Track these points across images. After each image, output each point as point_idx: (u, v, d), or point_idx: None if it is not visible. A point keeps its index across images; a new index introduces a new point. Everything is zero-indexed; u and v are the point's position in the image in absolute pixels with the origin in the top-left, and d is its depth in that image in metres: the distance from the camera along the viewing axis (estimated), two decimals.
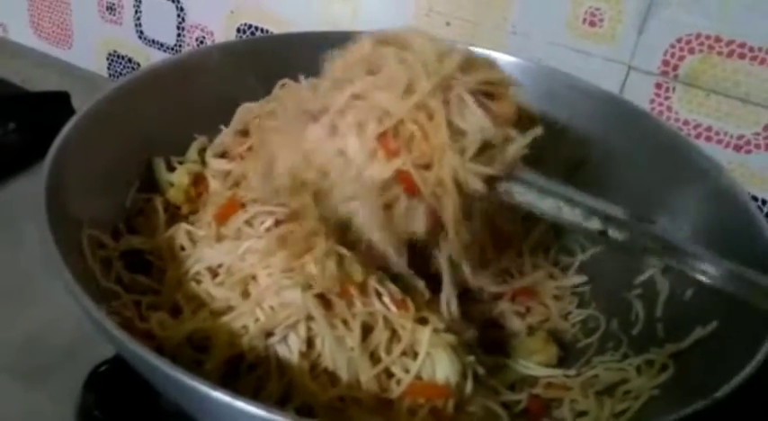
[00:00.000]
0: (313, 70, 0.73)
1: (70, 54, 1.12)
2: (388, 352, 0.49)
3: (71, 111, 0.64)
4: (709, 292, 0.53)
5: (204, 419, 0.44)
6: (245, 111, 0.70)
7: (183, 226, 0.59)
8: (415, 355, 0.49)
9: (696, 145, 0.63)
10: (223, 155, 0.67)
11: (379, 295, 0.51)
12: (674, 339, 0.52)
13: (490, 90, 0.50)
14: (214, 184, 0.64)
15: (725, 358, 0.46)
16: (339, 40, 0.74)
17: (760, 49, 0.67)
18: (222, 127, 0.70)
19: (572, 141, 0.69)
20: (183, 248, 0.58)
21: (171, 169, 0.65)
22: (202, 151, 0.68)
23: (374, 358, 0.49)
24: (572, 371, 0.57)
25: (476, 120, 0.48)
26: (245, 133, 0.69)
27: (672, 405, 0.42)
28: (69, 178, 0.54)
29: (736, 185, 0.57)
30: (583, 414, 0.52)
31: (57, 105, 0.83)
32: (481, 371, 0.52)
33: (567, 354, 0.60)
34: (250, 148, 0.66)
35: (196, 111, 0.69)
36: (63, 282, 0.43)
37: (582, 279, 0.65)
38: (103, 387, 0.56)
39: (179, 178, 0.64)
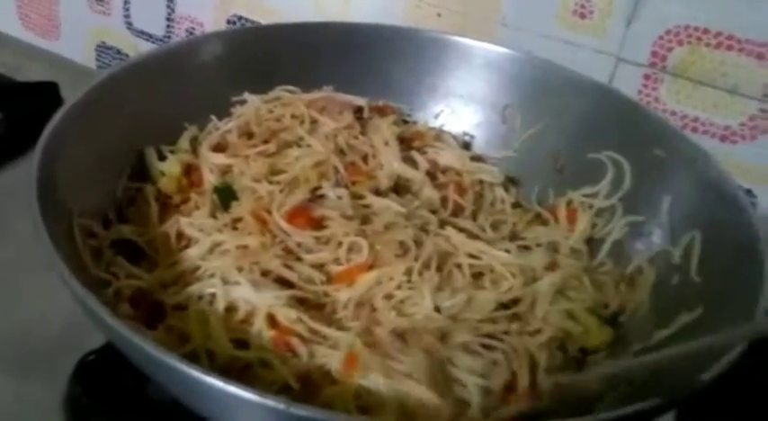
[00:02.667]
0: (302, 61, 0.74)
1: (58, 45, 1.12)
2: None
3: (60, 102, 0.64)
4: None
5: (197, 406, 0.44)
6: (248, 110, 0.71)
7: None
8: None
9: (684, 134, 0.64)
10: (217, 147, 0.67)
11: None
12: (661, 326, 0.52)
13: None
14: (210, 178, 0.64)
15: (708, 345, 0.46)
16: (330, 31, 0.76)
17: (747, 41, 0.67)
18: (213, 117, 0.70)
19: (561, 132, 0.69)
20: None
21: (162, 158, 0.65)
22: (194, 140, 0.68)
23: None
24: None
25: None
26: (249, 134, 0.69)
27: (656, 389, 0.42)
28: (60, 168, 0.54)
29: (725, 174, 0.58)
30: None
31: (45, 96, 0.83)
32: None
33: None
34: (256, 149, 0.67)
35: (186, 101, 0.69)
36: (55, 272, 0.43)
37: None
38: (92, 376, 0.56)
39: (170, 167, 0.64)
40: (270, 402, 0.36)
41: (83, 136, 0.58)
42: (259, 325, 0.50)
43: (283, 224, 0.58)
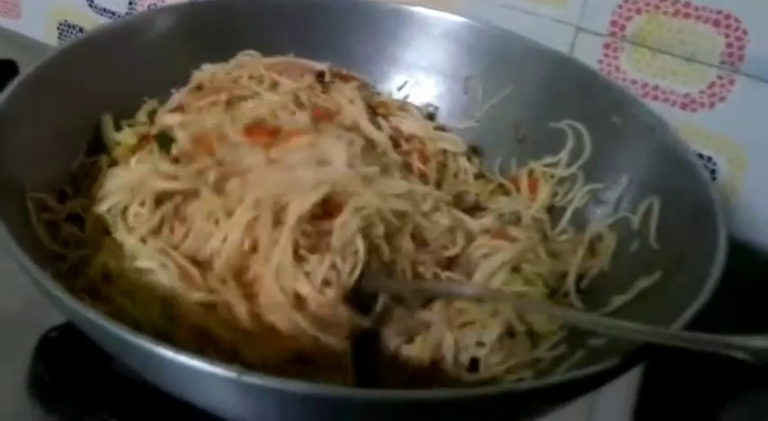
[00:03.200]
0: (261, 34, 0.73)
1: (19, 24, 1.10)
2: None
3: None
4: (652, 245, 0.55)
5: (155, 380, 0.44)
6: (203, 74, 0.70)
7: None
8: None
9: (642, 102, 0.64)
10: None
11: None
12: (619, 291, 0.53)
13: None
14: None
15: (666, 308, 0.47)
16: (287, 4, 0.75)
17: (704, 8, 0.68)
18: (173, 90, 0.69)
19: (522, 102, 0.69)
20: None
21: (119, 130, 0.65)
22: (153, 114, 0.67)
23: None
24: None
25: None
26: (199, 87, 0.68)
27: (614, 354, 0.43)
28: (11, 142, 0.53)
29: (681, 142, 0.58)
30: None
31: (3, 74, 0.81)
32: None
33: None
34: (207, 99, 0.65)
35: (145, 75, 0.68)
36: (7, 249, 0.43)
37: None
38: (54, 353, 0.55)
39: (126, 138, 0.63)
40: (220, 371, 0.36)
41: (36, 110, 0.57)
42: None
43: (240, 137, 0.57)
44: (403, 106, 0.72)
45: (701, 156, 0.72)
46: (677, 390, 0.62)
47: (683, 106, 0.72)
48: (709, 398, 0.64)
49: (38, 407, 0.54)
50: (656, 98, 0.72)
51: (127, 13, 1.00)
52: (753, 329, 0.39)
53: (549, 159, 0.66)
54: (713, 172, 0.73)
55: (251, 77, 0.69)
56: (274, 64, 0.70)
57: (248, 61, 0.71)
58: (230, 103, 0.65)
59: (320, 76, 0.71)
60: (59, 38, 1.08)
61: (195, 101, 0.66)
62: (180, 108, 0.66)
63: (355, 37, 0.74)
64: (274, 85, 0.68)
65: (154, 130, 0.63)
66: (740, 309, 0.65)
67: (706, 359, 0.64)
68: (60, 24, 1.07)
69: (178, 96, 0.68)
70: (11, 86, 0.55)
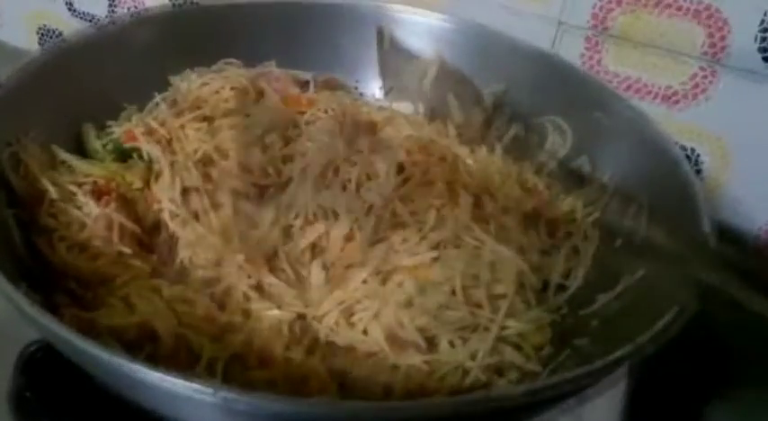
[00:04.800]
0: (244, 38, 0.73)
1: None
2: None
3: None
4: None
5: (133, 396, 0.43)
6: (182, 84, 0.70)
7: None
8: None
9: (622, 96, 0.64)
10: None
11: None
12: (605, 289, 0.53)
13: None
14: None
15: (651, 305, 0.46)
16: (269, 7, 0.74)
17: (685, 0, 0.67)
18: (156, 94, 0.69)
19: (506, 98, 0.69)
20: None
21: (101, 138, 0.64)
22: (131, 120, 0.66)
23: None
24: None
25: None
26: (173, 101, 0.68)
27: (599, 352, 0.42)
28: None
29: (663, 134, 0.58)
30: None
31: None
32: None
33: None
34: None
35: (126, 81, 0.68)
36: None
37: None
38: (35, 368, 0.54)
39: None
40: (197, 386, 0.35)
41: (13, 119, 0.56)
42: None
43: None
44: (390, 119, 0.71)
45: (684, 148, 0.72)
46: (665, 390, 0.62)
47: (666, 99, 0.71)
48: (697, 397, 0.64)
49: None
50: (638, 91, 0.72)
51: (107, 17, 0.99)
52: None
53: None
54: (697, 164, 0.72)
55: (233, 88, 0.68)
56: (258, 75, 0.70)
57: (230, 71, 0.71)
58: (211, 120, 0.65)
59: (305, 85, 0.71)
60: (40, 43, 1.07)
61: (174, 117, 0.65)
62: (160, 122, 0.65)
63: (340, 39, 0.74)
64: (259, 97, 0.68)
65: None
66: None
67: (692, 358, 0.65)
68: (40, 29, 1.06)
69: (154, 105, 0.68)
70: None
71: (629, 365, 0.60)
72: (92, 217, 0.55)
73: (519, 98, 0.68)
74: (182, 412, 0.41)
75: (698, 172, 0.72)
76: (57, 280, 0.52)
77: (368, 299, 0.51)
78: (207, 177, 0.60)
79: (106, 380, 0.43)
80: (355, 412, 0.37)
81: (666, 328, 0.42)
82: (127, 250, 0.54)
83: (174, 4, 0.92)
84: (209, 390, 0.35)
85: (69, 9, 1.01)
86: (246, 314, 0.51)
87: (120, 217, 0.55)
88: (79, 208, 0.55)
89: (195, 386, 0.35)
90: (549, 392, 0.40)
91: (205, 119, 0.65)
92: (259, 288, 0.53)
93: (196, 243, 0.55)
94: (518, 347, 0.51)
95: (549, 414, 0.46)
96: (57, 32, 1.05)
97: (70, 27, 1.03)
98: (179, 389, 0.35)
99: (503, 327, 0.51)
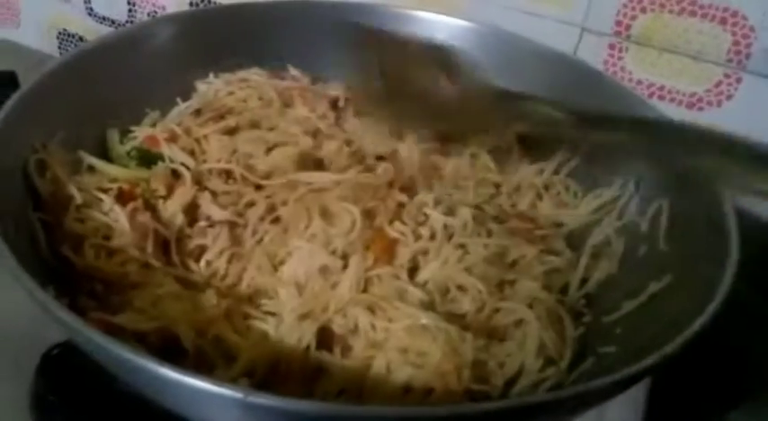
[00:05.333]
0: (262, 39, 0.73)
1: (19, 34, 1.10)
2: None
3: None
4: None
5: (159, 399, 0.43)
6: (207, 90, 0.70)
7: None
8: None
9: (649, 103, 0.63)
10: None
11: None
12: (630, 296, 0.52)
13: None
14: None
15: (679, 311, 0.46)
16: (288, 9, 0.75)
17: (710, 6, 0.67)
18: (179, 100, 0.69)
19: None
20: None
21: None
22: (155, 125, 0.67)
23: None
24: None
25: None
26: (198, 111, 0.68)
27: (626, 360, 0.42)
28: (12, 159, 0.53)
29: None
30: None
31: (2, 85, 0.81)
32: None
33: None
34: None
35: (147, 85, 0.68)
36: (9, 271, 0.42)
37: None
38: (57, 371, 0.55)
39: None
40: (227, 391, 0.35)
41: (38, 122, 0.56)
42: None
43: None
44: None
45: None
46: (684, 399, 0.61)
47: (690, 105, 0.71)
48: (715, 406, 0.63)
49: None
50: (662, 98, 0.72)
51: (126, 21, 0.99)
52: None
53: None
54: None
55: (260, 99, 0.69)
56: (286, 89, 0.70)
57: (255, 80, 0.71)
58: (236, 130, 0.65)
59: (334, 102, 0.70)
60: (60, 47, 1.07)
61: (198, 126, 0.65)
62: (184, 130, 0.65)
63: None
64: (284, 109, 0.68)
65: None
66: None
67: (711, 368, 0.64)
68: (60, 33, 1.06)
69: (179, 113, 0.68)
70: (11, 101, 0.54)
71: None
72: (120, 222, 0.55)
73: None
74: (210, 415, 0.40)
75: None
76: (82, 283, 0.52)
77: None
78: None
79: (133, 383, 0.42)
80: (383, 415, 0.37)
81: (692, 337, 0.42)
82: (156, 263, 0.54)
83: (191, 3, 0.93)
84: (240, 395, 0.35)
85: (89, 13, 1.02)
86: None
87: (157, 224, 0.55)
88: (105, 213, 0.55)
89: (226, 391, 0.35)
90: (572, 402, 0.40)
91: (229, 131, 0.65)
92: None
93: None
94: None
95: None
96: (76, 36, 1.05)
97: (89, 30, 1.03)
98: (209, 393, 0.35)
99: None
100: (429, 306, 0.51)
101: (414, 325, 0.48)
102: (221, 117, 0.66)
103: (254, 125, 0.66)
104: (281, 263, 0.54)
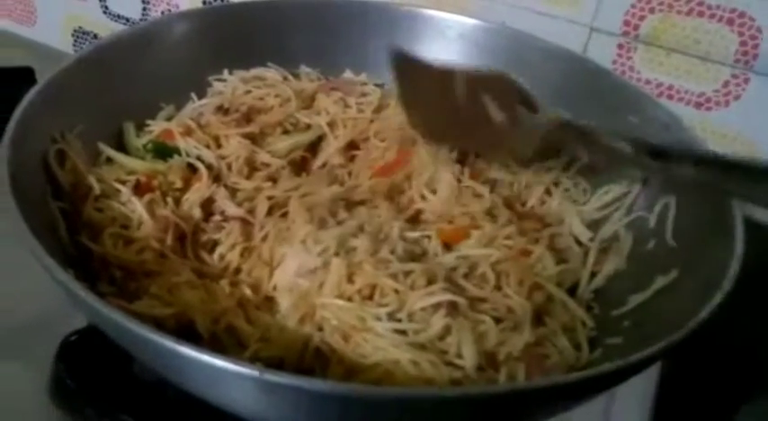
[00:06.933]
0: (277, 38, 0.74)
1: (34, 31, 1.11)
2: None
3: None
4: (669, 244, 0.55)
5: (176, 379, 0.44)
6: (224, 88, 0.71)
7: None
8: None
9: (657, 101, 0.64)
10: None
11: None
12: (637, 290, 0.53)
13: None
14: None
15: (685, 305, 0.47)
16: (303, 7, 0.76)
17: (718, 7, 0.68)
18: (193, 95, 0.71)
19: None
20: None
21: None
22: (170, 120, 0.68)
23: None
24: None
25: None
26: (225, 110, 0.69)
27: (632, 351, 0.43)
28: (32, 150, 0.54)
29: (696, 139, 0.58)
30: None
31: (20, 81, 0.82)
32: None
33: None
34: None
35: (162, 81, 0.69)
36: (33, 255, 0.43)
37: None
38: (75, 357, 0.56)
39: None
40: (243, 369, 0.36)
41: (55, 117, 0.57)
42: None
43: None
44: None
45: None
46: (695, 393, 0.62)
47: (698, 105, 0.72)
48: (727, 401, 0.64)
49: (59, 410, 0.54)
50: (670, 98, 0.72)
51: (141, 19, 1.01)
52: None
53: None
54: None
55: (277, 96, 0.70)
56: (304, 90, 0.71)
57: (271, 76, 0.72)
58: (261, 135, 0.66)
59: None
60: (75, 45, 1.09)
61: (221, 126, 0.66)
62: (200, 125, 0.66)
63: (371, 40, 0.74)
64: (306, 107, 0.70)
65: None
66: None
67: (723, 362, 0.65)
68: (75, 31, 1.08)
69: (193, 109, 0.69)
70: (30, 94, 0.55)
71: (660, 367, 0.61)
72: (137, 213, 0.56)
73: (551, 103, 0.68)
74: (225, 395, 0.41)
75: None
76: (100, 270, 0.53)
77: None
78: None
79: (152, 364, 0.44)
80: (399, 396, 0.37)
81: (697, 327, 0.43)
82: (173, 255, 0.55)
83: (204, 1, 0.94)
84: (255, 373, 0.36)
85: (104, 11, 1.03)
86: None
87: (177, 219, 0.56)
88: (123, 204, 0.57)
89: (242, 369, 0.36)
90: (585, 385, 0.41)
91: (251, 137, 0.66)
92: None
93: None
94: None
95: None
96: (91, 33, 1.07)
97: (104, 28, 1.05)
98: (225, 371, 0.36)
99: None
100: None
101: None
102: (247, 121, 0.67)
103: (280, 125, 0.68)
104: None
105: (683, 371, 0.61)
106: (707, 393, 0.64)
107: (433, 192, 0.61)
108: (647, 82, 0.73)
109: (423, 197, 0.60)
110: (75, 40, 1.09)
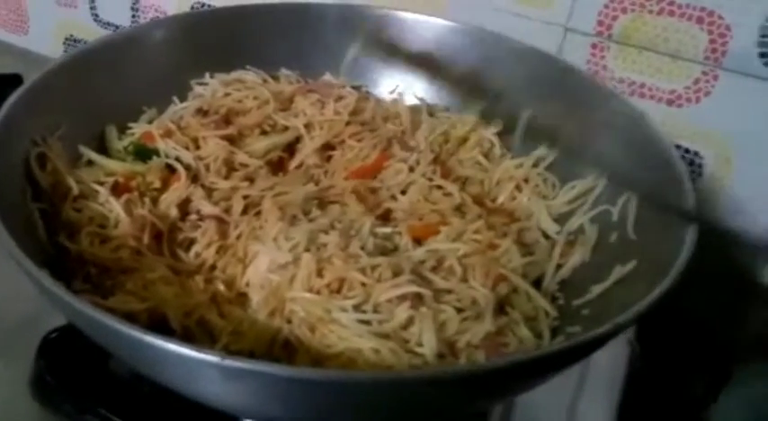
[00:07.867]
0: (257, 42, 0.76)
1: (27, 40, 1.13)
2: None
3: None
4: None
5: (147, 371, 0.46)
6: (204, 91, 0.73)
7: None
8: None
9: (621, 96, 0.66)
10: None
11: None
12: (597, 280, 0.54)
13: None
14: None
15: (637, 294, 0.48)
16: (280, 11, 0.77)
17: (687, 6, 0.69)
18: (175, 98, 0.72)
19: (510, 101, 0.71)
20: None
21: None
22: (152, 123, 0.69)
23: None
24: None
25: None
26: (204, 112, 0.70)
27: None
28: (13, 152, 0.56)
29: (660, 134, 0.59)
30: None
31: (9, 88, 0.83)
32: None
33: None
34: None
35: (146, 85, 0.71)
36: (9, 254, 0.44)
37: None
38: (54, 353, 0.58)
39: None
40: (206, 356, 0.37)
41: (39, 120, 0.59)
42: None
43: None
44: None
45: (687, 151, 0.73)
46: (663, 389, 0.63)
47: (670, 102, 0.73)
48: (701, 393, 0.65)
49: (39, 405, 0.56)
50: (642, 95, 0.74)
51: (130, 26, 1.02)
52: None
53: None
54: (700, 166, 0.74)
55: (255, 98, 0.71)
56: (282, 92, 0.73)
57: (250, 79, 0.74)
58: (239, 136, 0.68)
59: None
60: (65, 52, 1.10)
61: (200, 127, 0.67)
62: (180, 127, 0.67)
63: (347, 43, 0.75)
64: (284, 109, 0.71)
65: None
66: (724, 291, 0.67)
67: (697, 352, 0.66)
68: (67, 39, 1.09)
69: (174, 111, 0.71)
70: (13, 97, 0.57)
71: (630, 360, 0.62)
72: (114, 212, 0.58)
73: (524, 100, 0.70)
74: (191, 382, 0.43)
75: (700, 174, 0.74)
76: (76, 268, 0.55)
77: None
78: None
79: (123, 356, 0.45)
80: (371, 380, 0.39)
81: (644, 310, 0.44)
82: (149, 254, 0.57)
83: (192, 8, 0.96)
84: (216, 358, 0.37)
85: (95, 19, 1.05)
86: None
87: (153, 218, 0.58)
88: (101, 204, 0.58)
89: (204, 356, 0.37)
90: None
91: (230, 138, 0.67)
92: None
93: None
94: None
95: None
96: (82, 41, 1.08)
97: (94, 35, 1.05)
98: (189, 358, 0.38)
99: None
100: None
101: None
102: (226, 122, 0.69)
103: (258, 126, 0.69)
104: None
105: (652, 364, 0.63)
106: (676, 389, 0.65)
107: (403, 192, 0.62)
108: (621, 80, 0.75)
109: (393, 197, 0.62)
110: (66, 48, 1.10)
